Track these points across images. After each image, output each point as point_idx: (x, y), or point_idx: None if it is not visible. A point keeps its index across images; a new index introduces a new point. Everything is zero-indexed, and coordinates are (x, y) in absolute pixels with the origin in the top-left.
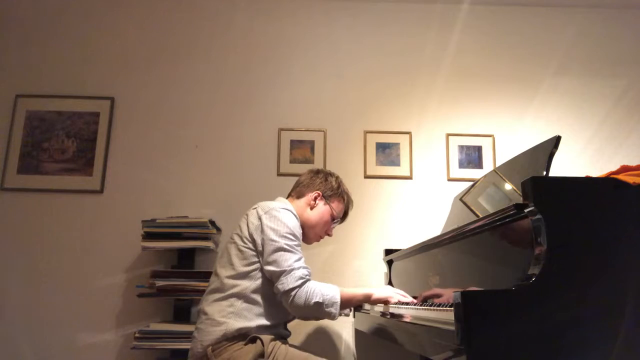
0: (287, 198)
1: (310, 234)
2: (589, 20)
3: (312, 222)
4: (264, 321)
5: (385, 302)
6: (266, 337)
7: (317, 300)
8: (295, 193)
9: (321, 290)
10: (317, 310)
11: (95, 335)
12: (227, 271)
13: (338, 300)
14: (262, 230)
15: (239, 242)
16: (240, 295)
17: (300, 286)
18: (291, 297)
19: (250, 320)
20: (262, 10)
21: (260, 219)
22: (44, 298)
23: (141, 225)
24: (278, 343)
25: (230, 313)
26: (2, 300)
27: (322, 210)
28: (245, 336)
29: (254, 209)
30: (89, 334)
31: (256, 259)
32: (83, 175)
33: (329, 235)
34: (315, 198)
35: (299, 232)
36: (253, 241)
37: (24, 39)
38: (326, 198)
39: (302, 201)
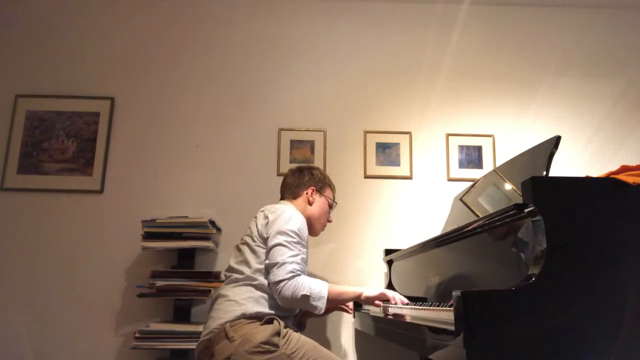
0: (283, 200)
1: (317, 226)
2: (589, 20)
3: (317, 214)
4: (277, 311)
5: (377, 299)
6: (281, 322)
7: (304, 293)
8: (290, 195)
9: (309, 284)
10: (304, 303)
11: (95, 335)
12: (244, 268)
13: (325, 295)
14: (269, 227)
15: (252, 243)
16: (257, 287)
17: (289, 279)
18: (280, 288)
19: (267, 308)
20: (262, 10)
21: (267, 217)
22: (44, 298)
23: (141, 225)
24: (291, 330)
25: (249, 297)
26: (2, 300)
27: (320, 202)
28: (262, 318)
29: (261, 211)
30: (89, 334)
31: None
32: (83, 175)
33: (330, 221)
34: (312, 193)
35: (303, 231)
36: (264, 240)
37: (24, 39)
38: (319, 190)
39: (300, 200)
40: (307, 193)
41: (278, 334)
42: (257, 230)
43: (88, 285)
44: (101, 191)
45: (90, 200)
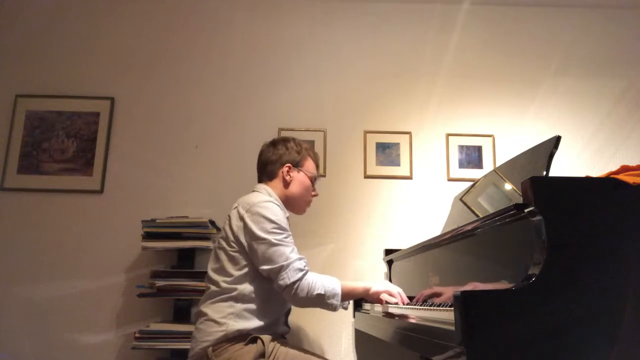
0: (260, 183)
1: (302, 204)
2: (589, 20)
3: (297, 194)
4: (263, 320)
5: (383, 293)
6: (266, 337)
7: (319, 292)
8: (266, 175)
9: (322, 282)
10: (319, 301)
11: (95, 335)
12: (222, 277)
13: (339, 292)
14: (248, 231)
15: (228, 248)
16: (238, 298)
17: (301, 279)
18: (294, 290)
19: (250, 320)
20: (262, 11)
21: (242, 219)
22: (44, 298)
23: (141, 225)
24: (278, 344)
25: (230, 314)
26: (2, 300)
27: (299, 179)
28: (245, 337)
29: (234, 208)
30: (89, 334)
31: (247, 262)
32: (83, 175)
33: (315, 195)
34: (288, 172)
35: (285, 222)
36: (240, 243)
37: (24, 39)
38: (297, 166)
39: (277, 181)
40: (282, 172)
41: (263, 355)
42: (232, 233)
43: (88, 286)
44: (101, 191)
45: (90, 200)
